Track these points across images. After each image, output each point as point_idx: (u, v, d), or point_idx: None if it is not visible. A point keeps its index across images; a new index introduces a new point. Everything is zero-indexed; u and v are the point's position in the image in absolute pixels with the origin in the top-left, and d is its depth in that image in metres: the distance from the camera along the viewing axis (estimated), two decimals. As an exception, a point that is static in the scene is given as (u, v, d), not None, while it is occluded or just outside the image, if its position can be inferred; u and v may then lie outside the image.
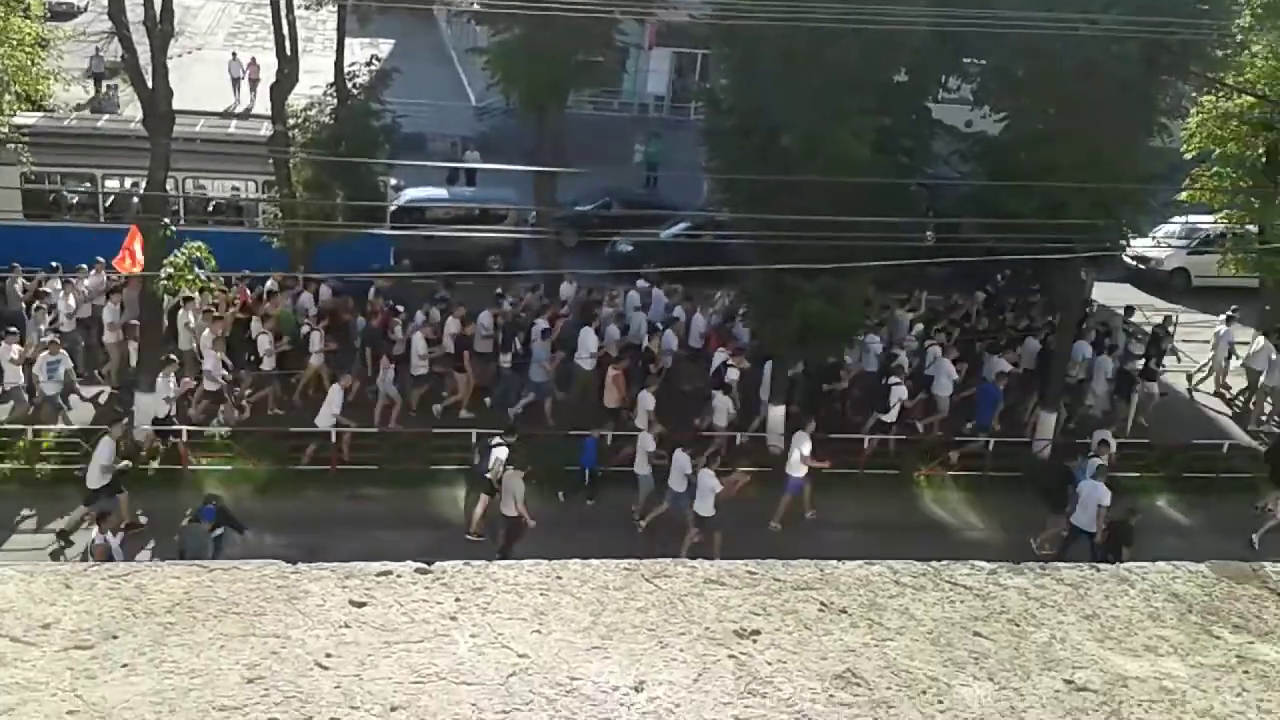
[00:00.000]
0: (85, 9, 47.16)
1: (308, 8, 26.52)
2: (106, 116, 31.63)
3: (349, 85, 26.13)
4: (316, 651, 2.58)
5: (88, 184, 26.73)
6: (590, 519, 19.78)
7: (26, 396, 20.91)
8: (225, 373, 21.52)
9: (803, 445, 20.11)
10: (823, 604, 2.91)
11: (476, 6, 27.29)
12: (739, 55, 22.24)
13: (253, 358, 22.33)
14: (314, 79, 27.09)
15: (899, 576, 3.06)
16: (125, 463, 18.68)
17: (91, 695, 2.42)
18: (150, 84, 20.91)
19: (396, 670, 2.56)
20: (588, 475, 20.68)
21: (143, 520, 18.63)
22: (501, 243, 28.58)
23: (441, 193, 31.85)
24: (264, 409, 22.21)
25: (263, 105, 26.48)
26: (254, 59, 38.76)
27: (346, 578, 2.84)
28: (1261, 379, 25.26)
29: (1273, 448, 23.17)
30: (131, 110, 29.34)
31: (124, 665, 2.50)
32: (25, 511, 19.19)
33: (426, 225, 28.63)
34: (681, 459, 19.55)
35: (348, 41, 26.92)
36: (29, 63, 24.51)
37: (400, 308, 23.82)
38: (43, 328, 22.01)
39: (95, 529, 16.92)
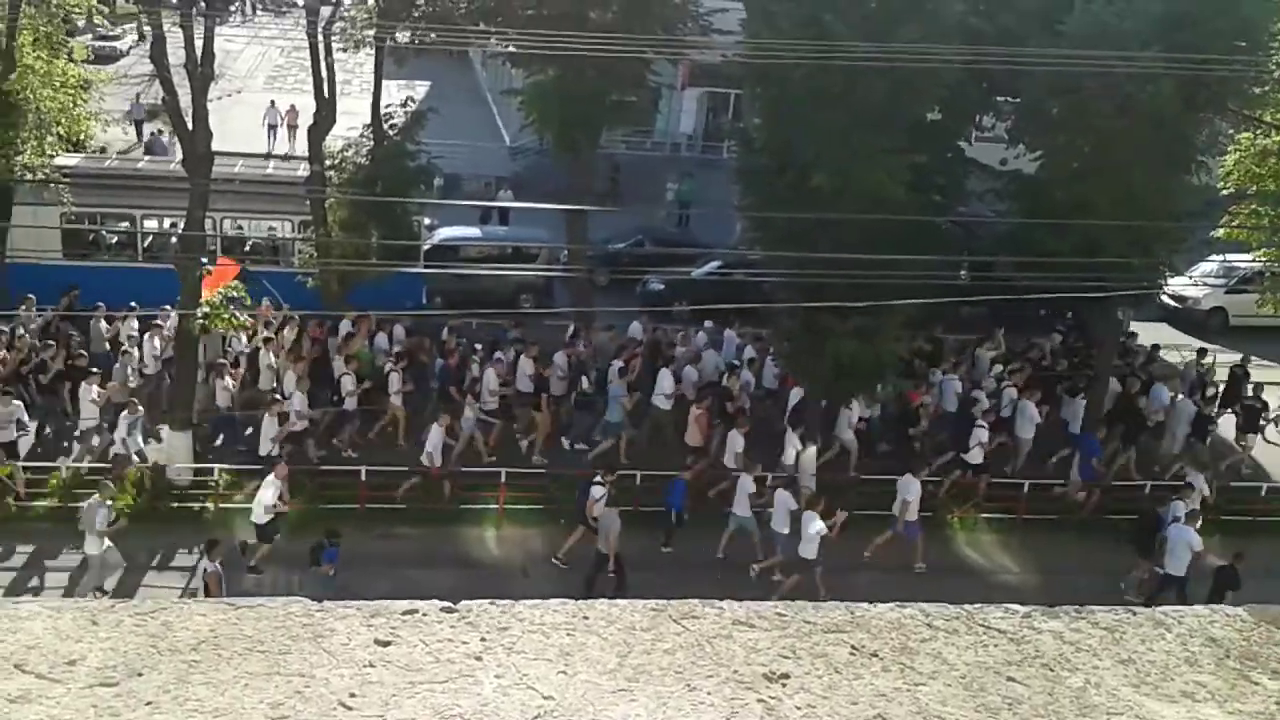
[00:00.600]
0: (127, 53, 48.03)
1: (345, 50, 26.86)
2: (147, 158, 32.12)
3: (385, 126, 26.44)
4: (341, 691, 2.56)
5: (127, 224, 27.13)
6: (677, 559, 19.81)
7: (96, 440, 21.09)
8: (312, 412, 21.71)
9: (910, 491, 20.06)
10: (854, 647, 2.87)
11: (511, 49, 27.54)
12: (770, 95, 22.35)
13: (336, 397, 22.44)
14: (351, 120, 27.45)
15: (931, 620, 3.01)
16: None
17: (116, 733, 2.42)
18: (190, 126, 21.23)
19: (421, 711, 2.53)
20: (675, 517, 20.49)
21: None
22: (533, 281, 28.73)
23: (475, 231, 32.09)
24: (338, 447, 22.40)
25: (301, 146, 26.81)
26: (293, 105, 39.26)
27: (372, 616, 2.82)
28: None
29: None
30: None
31: (148, 703, 2.49)
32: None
33: (459, 264, 28.83)
34: (785, 499, 19.48)
35: (385, 83, 27.25)
36: (71, 105, 24.98)
37: (478, 346, 24.00)
38: (131, 369, 22.29)
39: (205, 558, 17.12)
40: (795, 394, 23.38)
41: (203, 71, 21.01)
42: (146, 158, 32.12)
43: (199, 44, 20.87)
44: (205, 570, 17.01)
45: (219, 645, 2.68)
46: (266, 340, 22.87)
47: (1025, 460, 23.20)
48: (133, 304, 23.71)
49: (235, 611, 2.81)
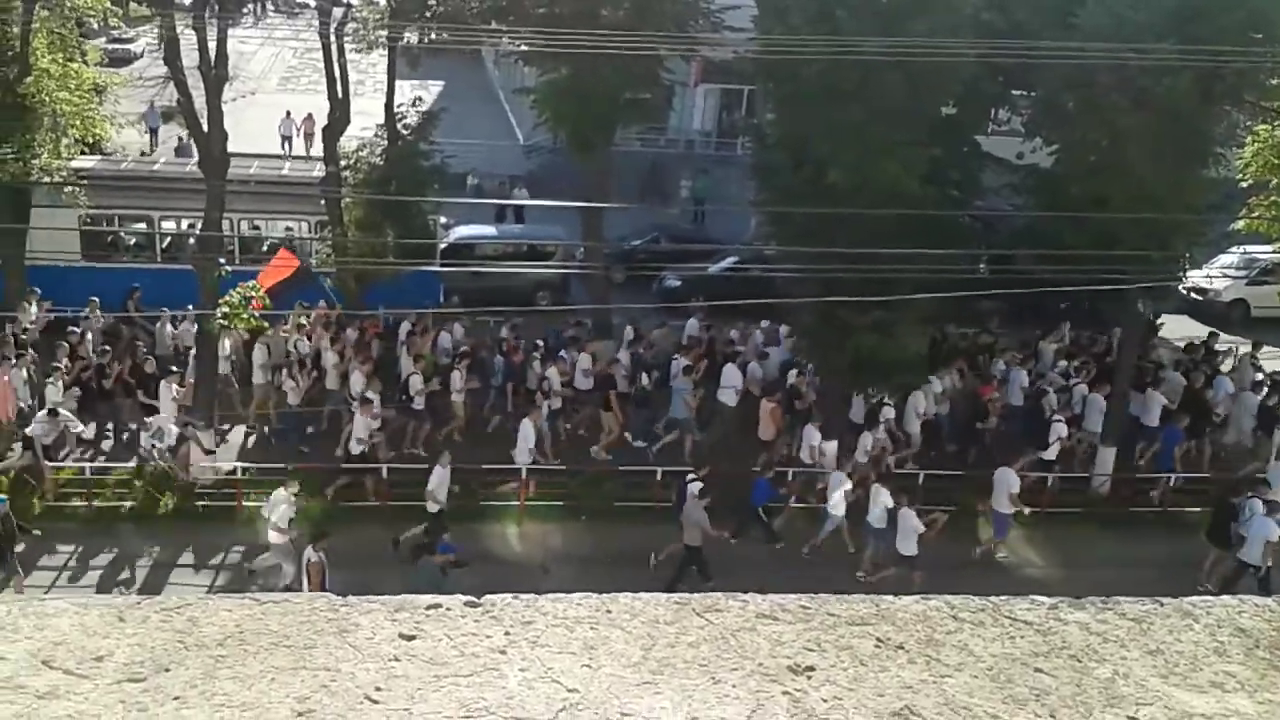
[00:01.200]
0: (142, 55, 48.24)
1: (359, 51, 26.92)
2: (163, 160, 32.26)
3: (399, 126, 26.48)
4: (366, 685, 2.57)
5: (144, 225, 27.26)
6: (761, 557, 19.79)
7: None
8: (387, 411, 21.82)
9: (1010, 483, 20.02)
10: (879, 640, 2.86)
11: (524, 47, 27.56)
12: (784, 91, 22.33)
13: (404, 397, 22.54)
14: (365, 120, 27.51)
15: (957, 612, 3.00)
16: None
17: (143, 729, 2.42)
18: (205, 128, 21.31)
19: (446, 704, 2.53)
20: (761, 514, 20.55)
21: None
22: (550, 278, 28.77)
23: (490, 230, 32.15)
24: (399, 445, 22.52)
25: (315, 147, 26.95)
26: (310, 115, 39.23)
27: (396, 611, 2.82)
28: None
29: None
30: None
31: (176, 698, 2.50)
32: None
33: (475, 262, 28.88)
34: (883, 496, 19.49)
35: (398, 84, 27.30)
36: (86, 107, 25.09)
37: (539, 344, 24.13)
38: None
39: (310, 547, 17.23)
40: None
41: (217, 73, 21.09)
42: (163, 160, 32.24)
43: (213, 46, 20.95)
44: (309, 560, 17.09)
45: (245, 640, 2.69)
46: (332, 341, 23.22)
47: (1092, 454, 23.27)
48: (189, 306, 23.76)
49: (260, 607, 2.81)
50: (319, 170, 26.88)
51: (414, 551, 17.97)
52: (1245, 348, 27.36)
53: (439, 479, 19.15)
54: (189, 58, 21.52)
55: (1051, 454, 21.98)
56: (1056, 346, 25.95)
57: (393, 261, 25.19)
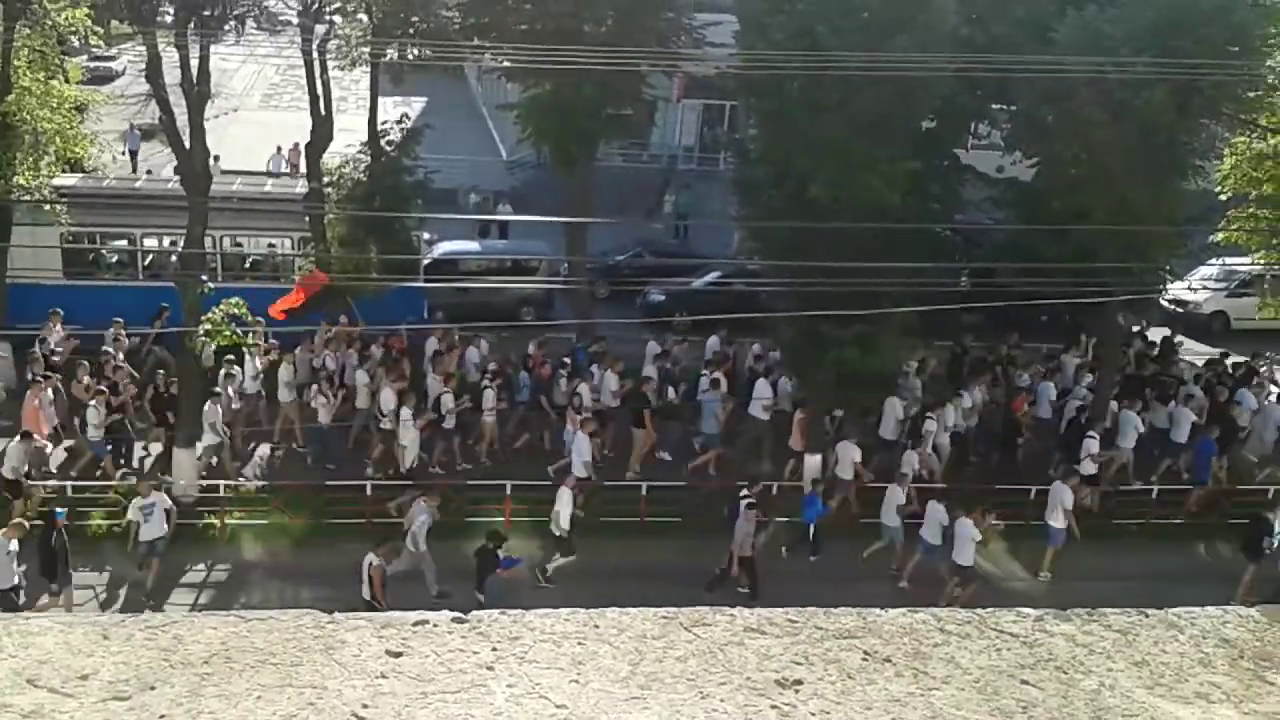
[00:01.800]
0: (123, 73, 48.11)
1: (341, 68, 26.90)
2: (145, 177, 32.16)
3: (382, 142, 26.47)
4: (353, 702, 2.56)
5: (126, 243, 27.16)
6: (815, 571, 19.96)
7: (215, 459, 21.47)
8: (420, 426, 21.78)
9: (1065, 497, 20.14)
10: (866, 653, 2.86)
11: (507, 63, 27.59)
12: (766, 106, 22.42)
13: (435, 414, 22.44)
14: (348, 137, 27.48)
15: (944, 624, 3.01)
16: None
17: (129, 748, 2.41)
18: (188, 145, 21.26)
19: (434, 721, 2.53)
20: (812, 530, 20.59)
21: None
22: (534, 294, 28.76)
23: (474, 246, 32.12)
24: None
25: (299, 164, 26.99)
26: (296, 144, 38.97)
27: (383, 627, 2.82)
28: None
29: None
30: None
31: (161, 716, 2.49)
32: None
33: (459, 278, 28.85)
34: (938, 510, 19.58)
35: (381, 100, 27.29)
36: (68, 126, 25.00)
37: (566, 360, 24.16)
38: (231, 390, 22.41)
39: (371, 553, 17.29)
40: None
41: (199, 90, 21.04)
42: (144, 177, 32.13)
43: (195, 63, 20.90)
44: (370, 564, 17.13)
45: (230, 658, 2.68)
46: (363, 358, 23.34)
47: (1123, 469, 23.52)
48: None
49: (246, 624, 2.80)
50: (302, 187, 26.83)
51: (479, 565, 17.96)
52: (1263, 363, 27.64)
53: (564, 502, 19.34)
54: (171, 75, 21.47)
55: (1086, 469, 22.08)
56: (1079, 361, 26.10)
57: (376, 278, 25.14)
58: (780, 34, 20.54)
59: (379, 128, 26.57)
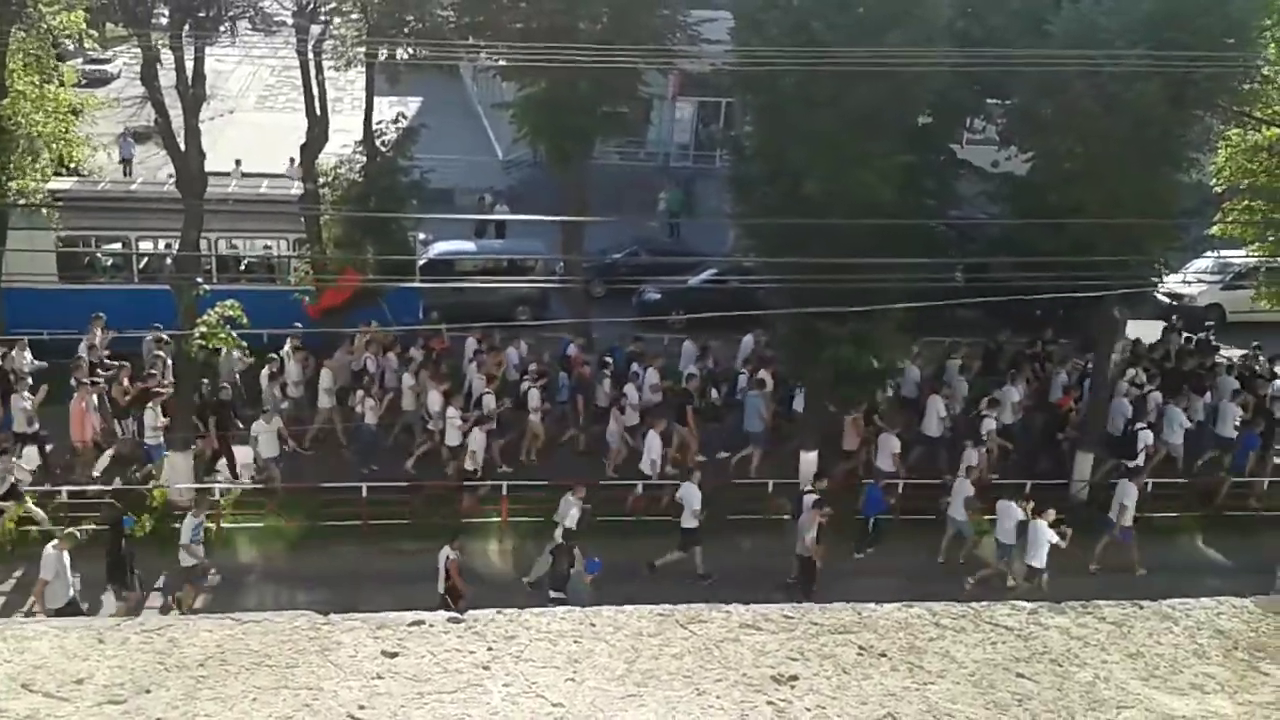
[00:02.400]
0: (118, 75, 48.05)
1: (336, 69, 26.88)
2: (141, 180, 32.12)
3: (378, 143, 26.45)
4: (349, 703, 2.56)
5: (121, 245, 27.13)
6: (873, 566, 20.15)
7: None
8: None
9: (1128, 496, 20.20)
10: (861, 648, 2.86)
11: (502, 62, 27.58)
12: (761, 103, 22.41)
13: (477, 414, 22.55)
14: (344, 138, 27.46)
15: (939, 619, 3.01)
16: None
17: (125, 751, 2.41)
18: (183, 147, 21.23)
19: (430, 721, 2.53)
20: (872, 524, 20.76)
21: None
22: (530, 293, 28.75)
23: (470, 245, 32.10)
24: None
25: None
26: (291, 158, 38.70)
27: (379, 628, 2.82)
28: None
29: None
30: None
31: (157, 720, 2.49)
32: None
33: (455, 278, 28.84)
34: (1012, 509, 19.61)
35: (376, 100, 27.27)
36: (63, 129, 24.96)
37: (608, 359, 24.21)
38: (276, 393, 22.59)
39: (448, 545, 17.51)
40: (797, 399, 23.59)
41: (194, 92, 21.01)
42: (139, 180, 32.08)
43: (190, 65, 20.88)
44: (447, 557, 17.36)
45: (226, 660, 2.67)
46: (407, 361, 23.44)
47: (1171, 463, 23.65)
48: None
49: (241, 626, 2.80)
50: (297, 188, 26.81)
51: (554, 568, 18.03)
52: None
53: (693, 496, 19.48)
54: (166, 77, 21.43)
55: (1139, 462, 22.17)
56: (1118, 355, 26.18)
57: (372, 278, 25.13)
58: (775, 30, 20.53)
59: (374, 128, 26.56)
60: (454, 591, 17.05)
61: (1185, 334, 28.71)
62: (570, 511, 18.78)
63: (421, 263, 27.98)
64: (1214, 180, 26.17)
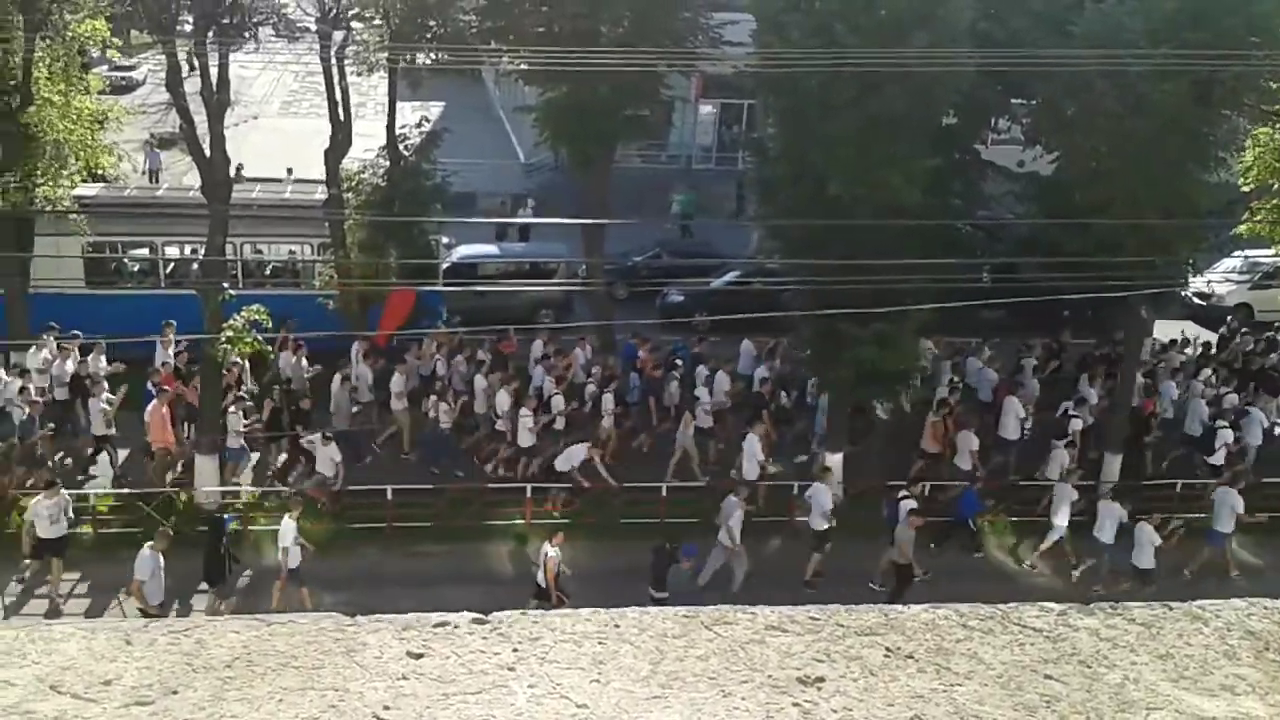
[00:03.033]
0: (144, 82, 48.39)
1: (359, 74, 26.99)
2: (166, 186, 32.35)
3: (401, 147, 26.55)
4: (375, 704, 2.56)
5: (147, 251, 27.34)
6: (968, 569, 20.13)
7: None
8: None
9: (1235, 502, 20.10)
10: (888, 649, 2.85)
11: (524, 66, 27.63)
12: (784, 105, 22.34)
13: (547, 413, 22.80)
14: (367, 142, 27.56)
15: (966, 620, 2.99)
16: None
17: (152, 752, 2.42)
18: (208, 153, 21.37)
19: (455, 722, 2.53)
20: (970, 525, 20.76)
21: None
22: (552, 296, 28.80)
23: (492, 249, 32.17)
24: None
25: (318, 170, 27.04)
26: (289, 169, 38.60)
27: (404, 629, 2.82)
28: None
29: None
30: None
31: (184, 721, 2.50)
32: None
33: (478, 281, 28.90)
34: (1114, 510, 19.60)
35: (399, 105, 27.37)
36: (89, 138, 25.15)
37: (679, 361, 24.33)
38: (346, 399, 22.68)
39: (547, 542, 17.90)
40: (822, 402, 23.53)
41: (218, 98, 21.13)
42: (165, 186, 32.32)
43: (214, 71, 21.01)
44: (546, 554, 17.65)
45: (252, 662, 2.68)
46: (480, 363, 23.62)
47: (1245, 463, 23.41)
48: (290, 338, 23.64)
49: (268, 628, 2.81)
50: (321, 193, 26.94)
51: (655, 560, 18.13)
52: None
53: (823, 497, 19.73)
54: (191, 84, 21.56)
55: (1218, 459, 22.15)
56: (1185, 358, 26.08)
57: (395, 282, 25.22)
58: (798, 32, 20.48)
59: (397, 133, 26.65)
60: (549, 589, 17.36)
61: (1244, 332, 28.52)
62: (735, 513, 18.87)
63: (445, 266, 28.07)
64: (1242, 180, 25.95)
